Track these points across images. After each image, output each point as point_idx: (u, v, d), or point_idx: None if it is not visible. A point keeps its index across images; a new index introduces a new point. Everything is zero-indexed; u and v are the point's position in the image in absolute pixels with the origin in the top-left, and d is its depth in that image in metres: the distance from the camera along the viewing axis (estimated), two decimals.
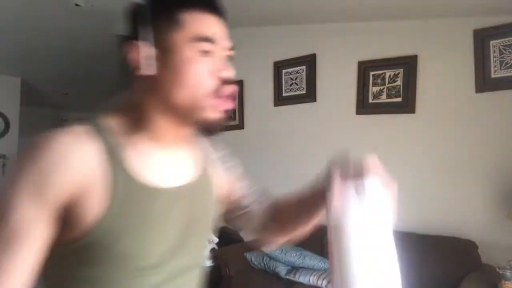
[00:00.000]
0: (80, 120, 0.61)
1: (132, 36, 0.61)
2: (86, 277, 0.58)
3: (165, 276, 0.62)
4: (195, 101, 0.60)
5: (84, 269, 0.58)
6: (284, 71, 3.65)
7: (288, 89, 3.63)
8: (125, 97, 0.66)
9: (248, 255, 3.06)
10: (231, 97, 0.62)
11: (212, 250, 3.19)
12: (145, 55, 0.59)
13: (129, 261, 0.58)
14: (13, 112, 5.77)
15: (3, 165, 5.61)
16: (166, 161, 0.65)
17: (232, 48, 0.67)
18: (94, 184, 0.55)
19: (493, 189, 2.60)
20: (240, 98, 3.92)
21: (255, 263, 2.99)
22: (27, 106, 6.36)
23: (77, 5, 3.71)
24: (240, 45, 3.36)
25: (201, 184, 0.70)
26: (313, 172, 3.23)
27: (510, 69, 2.56)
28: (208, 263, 3.08)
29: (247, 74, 3.93)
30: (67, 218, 0.55)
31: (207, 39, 0.61)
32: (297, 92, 3.56)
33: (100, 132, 0.59)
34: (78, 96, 6.87)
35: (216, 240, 3.32)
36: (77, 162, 0.55)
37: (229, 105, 0.63)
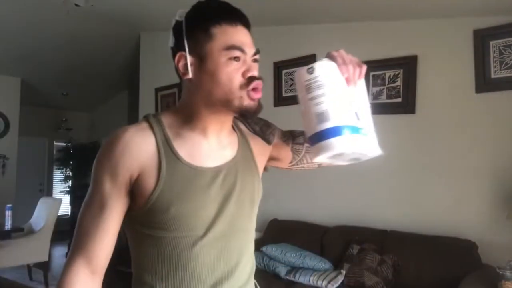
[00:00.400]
0: (144, 116, 0.82)
1: (177, 48, 0.78)
2: (151, 236, 0.77)
3: (211, 239, 0.78)
4: (229, 94, 0.76)
5: (148, 230, 0.77)
6: (284, 71, 3.65)
7: (288, 89, 3.63)
8: (181, 99, 0.84)
9: None
10: (258, 89, 0.77)
11: None
12: (184, 63, 0.77)
13: (179, 223, 0.75)
14: (13, 112, 5.76)
15: (3, 165, 5.61)
16: (208, 147, 0.82)
17: (257, 52, 0.81)
18: (150, 165, 0.75)
19: (493, 189, 2.60)
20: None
21: (255, 263, 2.99)
22: (27, 106, 6.36)
23: (77, 5, 3.71)
24: None
25: (238, 161, 0.86)
26: (313, 171, 3.24)
27: (510, 69, 2.56)
28: None
29: None
30: (133, 191, 0.76)
31: (235, 47, 0.76)
32: (297, 92, 3.56)
33: (157, 127, 0.79)
34: (78, 96, 6.88)
35: None
36: (137, 149, 0.75)
37: (257, 94, 0.77)
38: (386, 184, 3.04)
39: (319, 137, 0.70)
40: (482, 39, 2.65)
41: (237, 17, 0.78)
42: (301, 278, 2.65)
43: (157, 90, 4.69)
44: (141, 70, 4.95)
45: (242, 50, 0.76)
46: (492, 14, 2.61)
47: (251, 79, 0.76)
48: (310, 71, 0.73)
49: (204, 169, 0.79)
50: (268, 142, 0.96)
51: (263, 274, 2.90)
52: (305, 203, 3.46)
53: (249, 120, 0.95)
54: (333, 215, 3.26)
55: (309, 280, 2.60)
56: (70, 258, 0.75)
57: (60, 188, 7.28)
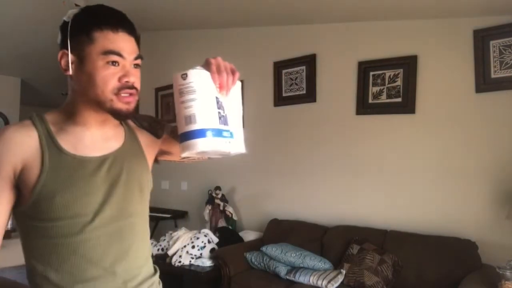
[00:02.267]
0: (29, 116, 0.86)
1: (62, 46, 0.84)
2: (40, 227, 0.80)
3: (101, 223, 0.82)
4: (101, 95, 0.81)
5: (37, 222, 0.80)
6: (284, 71, 3.65)
7: (288, 89, 3.63)
8: (66, 99, 0.90)
9: (248, 255, 3.06)
10: (131, 94, 0.84)
11: (212, 250, 3.19)
12: (66, 60, 0.83)
13: (66, 210, 0.79)
14: (13, 112, 5.76)
15: None
16: (91, 139, 0.87)
17: (138, 57, 0.86)
18: (32, 159, 0.79)
19: (493, 189, 2.60)
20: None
21: (255, 263, 3.00)
22: (27, 106, 6.36)
23: (77, 5, 3.71)
24: (240, 45, 3.42)
25: (123, 151, 0.92)
26: (313, 171, 3.27)
27: (510, 69, 2.56)
28: (208, 263, 3.08)
29: (247, 74, 3.92)
30: (18, 184, 0.80)
31: (113, 52, 0.80)
32: (297, 92, 3.56)
33: (39, 124, 0.83)
34: None
35: (216, 240, 3.32)
36: (18, 145, 0.79)
37: (128, 99, 0.84)
38: (386, 184, 3.04)
39: (186, 137, 0.78)
40: (482, 39, 2.65)
41: (119, 23, 0.82)
42: (301, 278, 2.65)
43: (157, 90, 4.69)
44: (141, 70, 4.94)
45: (120, 55, 0.81)
46: (492, 14, 2.61)
47: (126, 85, 0.82)
48: (184, 77, 0.78)
49: (88, 158, 0.84)
50: (157, 136, 1.01)
51: (263, 274, 2.90)
52: (305, 203, 3.46)
53: (136, 116, 1.01)
54: (333, 215, 3.26)
55: (309, 280, 2.60)
56: None
57: None
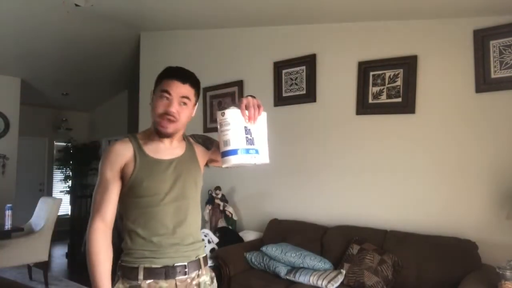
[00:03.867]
0: (126, 135, 1.33)
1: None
2: (134, 200, 1.25)
3: (169, 200, 1.27)
4: (153, 117, 1.28)
5: (132, 197, 1.25)
6: (284, 71, 3.65)
7: (288, 89, 3.63)
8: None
9: (248, 255, 3.06)
10: (168, 120, 1.25)
11: (212, 250, 3.19)
12: (151, 97, 1.31)
13: (149, 191, 1.25)
14: (13, 112, 5.76)
15: (3, 165, 5.61)
16: (164, 148, 1.32)
17: (184, 97, 1.26)
18: (130, 161, 1.26)
19: (493, 189, 2.60)
20: (240, 98, 3.92)
21: (255, 263, 3.00)
22: (27, 106, 6.36)
23: (77, 5, 3.71)
24: (240, 45, 3.41)
25: (185, 157, 1.36)
26: (313, 171, 3.26)
27: (510, 69, 2.56)
28: (208, 263, 3.08)
29: (247, 74, 3.93)
30: (122, 175, 1.26)
31: (164, 91, 1.25)
32: (297, 92, 3.56)
33: (133, 140, 1.30)
34: (78, 96, 6.88)
35: (216, 240, 3.32)
36: (122, 152, 1.26)
37: (165, 125, 1.25)
38: (386, 184, 3.04)
39: (224, 154, 1.15)
40: (482, 39, 2.65)
41: (176, 77, 1.25)
42: (301, 278, 2.65)
43: None
44: (141, 70, 4.95)
45: (168, 92, 1.24)
46: (492, 14, 2.61)
47: (165, 112, 1.24)
48: (222, 114, 1.16)
49: (162, 160, 1.30)
50: (207, 148, 1.45)
51: (263, 274, 2.90)
52: (305, 203, 3.46)
53: (194, 135, 1.48)
54: (333, 215, 3.26)
55: (309, 280, 2.60)
56: (91, 219, 1.20)
57: (60, 188, 7.28)
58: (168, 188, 1.27)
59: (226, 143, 1.14)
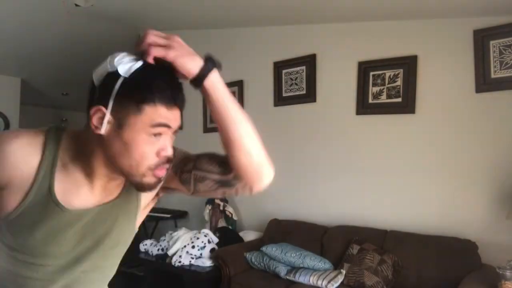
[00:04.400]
0: (48, 129, 0.77)
1: (99, 99, 0.71)
2: (10, 245, 0.76)
3: (57, 271, 0.78)
4: (136, 170, 0.72)
5: (9, 238, 0.75)
6: (284, 71, 3.65)
7: (288, 89, 3.63)
8: (85, 127, 0.76)
9: (248, 255, 3.06)
10: (165, 168, 0.76)
11: (212, 250, 3.19)
12: (100, 117, 0.70)
13: (32, 250, 0.75)
14: (13, 112, 5.76)
15: None
16: (88, 192, 0.78)
17: (180, 128, 0.77)
18: (19, 185, 0.72)
19: (493, 189, 2.60)
20: (240, 98, 3.92)
21: (255, 263, 3.00)
22: (27, 106, 6.36)
23: (77, 5, 3.71)
24: (240, 45, 3.41)
25: (113, 206, 0.82)
26: (313, 171, 3.27)
27: (510, 69, 2.56)
28: (208, 263, 3.08)
29: (247, 74, 3.93)
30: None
31: (162, 125, 0.71)
32: (297, 92, 3.56)
33: (51, 148, 0.75)
34: (78, 96, 6.87)
35: (216, 240, 3.32)
36: (13, 162, 0.71)
37: (163, 173, 0.75)
38: (386, 184, 3.03)
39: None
40: (482, 39, 2.65)
41: (175, 101, 0.73)
42: (301, 278, 2.65)
43: None
44: None
45: (168, 126, 0.73)
46: (492, 14, 2.61)
47: (163, 159, 0.73)
48: None
49: (70, 210, 0.76)
50: (176, 171, 0.90)
51: (263, 274, 2.90)
52: (305, 203, 3.46)
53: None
54: (333, 215, 3.26)
55: (309, 280, 2.60)
56: None
57: None
58: (58, 255, 0.77)
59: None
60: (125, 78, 0.69)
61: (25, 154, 0.72)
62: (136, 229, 0.91)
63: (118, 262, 0.91)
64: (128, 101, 0.69)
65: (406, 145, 2.97)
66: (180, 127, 0.78)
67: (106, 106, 0.70)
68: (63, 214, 0.75)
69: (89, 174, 0.77)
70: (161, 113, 0.70)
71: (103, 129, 0.70)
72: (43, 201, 0.73)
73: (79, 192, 0.77)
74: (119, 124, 0.70)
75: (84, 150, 0.76)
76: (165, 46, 0.72)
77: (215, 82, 0.74)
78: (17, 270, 0.77)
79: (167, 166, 0.75)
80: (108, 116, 0.69)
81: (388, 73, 3.05)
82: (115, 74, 0.70)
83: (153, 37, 0.73)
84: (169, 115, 0.72)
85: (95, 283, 0.86)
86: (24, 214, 0.72)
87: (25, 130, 0.76)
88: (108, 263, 0.87)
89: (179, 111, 0.75)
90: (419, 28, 2.95)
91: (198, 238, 3.22)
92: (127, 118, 0.69)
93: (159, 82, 0.71)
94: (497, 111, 2.63)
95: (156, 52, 0.71)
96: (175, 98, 0.73)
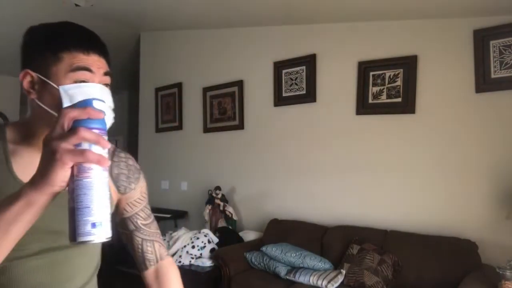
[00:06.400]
0: None
1: (24, 65, 0.75)
2: None
3: (37, 253, 0.75)
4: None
5: None
6: (284, 71, 3.65)
7: (288, 89, 3.63)
8: (24, 115, 0.79)
9: (248, 255, 3.06)
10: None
11: (212, 250, 3.19)
12: (29, 80, 0.73)
13: None
14: (13, 112, 5.76)
15: None
16: None
17: (107, 74, 0.77)
18: None
19: (493, 189, 2.60)
20: (240, 98, 3.93)
21: (255, 263, 3.00)
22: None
23: (77, 5, 3.71)
24: (240, 45, 3.42)
25: None
26: (313, 171, 3.28)
27: (510, 69, 2.56)
28: (208, 263, 3.08)
29: (247, 74, 3.93)
30: None
31: (82, 68, 0.72)
32: (297, 92, 3.56)
33: None
34: None
35: (216, 240, 3.32)
36: None
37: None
38: (386, 184, 3.04)
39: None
40: (482, 39, 2.65)
41: (90, 46, 0.74)
42: (301, 278, 2.65)
43: (157, 90, 4.69)
44: (141, 70, 4.95)
45: (89, 70, 0.72)
46: (492, 14, 2.61)
47: None
48: None
49: None
50: (119, 189, 0.92)
51: (263, 274, 2.90)
52: (305, 203, 3.46)
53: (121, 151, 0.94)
54: (333, 215, 3.26)
55: (309, 280, 2.60)
56: None
57: None
58: (37, 235, 0.73)
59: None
60: (39, 33, 0.74)
61: None
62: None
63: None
64: (45, 52, 0.72)
65: (406, 145, 2.97)
66: (109, 74, 0.78)
67: (30, 67, 0.73)
68: None
69: (38, 145, 0.74)
70: (78, 58, 0.72)
71: (35, 92, 0.73)
72: (8, 187, 0.71)
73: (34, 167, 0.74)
74: (44, 82, 0.72)
75: (27, 127, 0.78)
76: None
77: None
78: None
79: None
80: (34, 75, 0.72)
81: (388, 73, 3.05)
82: (29, 33, 0.75)
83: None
84: (88, 60, 0.73)
85: (76, 262, 0.83)
86: None
87: None
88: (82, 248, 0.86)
89: (100, 57, 0.75)
90: (419, 28, 2.95)
91: (198, 238, 3.22)
92: (49, 71, 0.72)
93: (71, 30, 0.75)
94: (497, 111, 2.63)
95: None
96: (90, 42, 0.74)
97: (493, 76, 2.62)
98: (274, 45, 3.74)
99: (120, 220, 0.97)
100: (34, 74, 0.73)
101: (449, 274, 2.42)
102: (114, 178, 0.91)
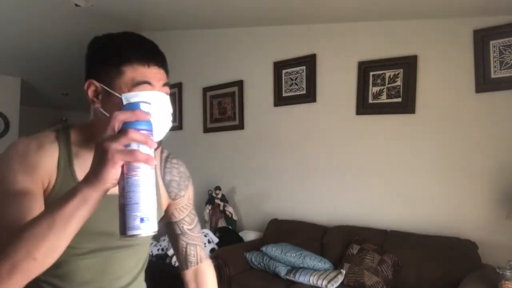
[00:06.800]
0: (54, 128, 0.84)
1: (88, 75, 0.79)
2: None
3: (95, 245, 0.81)
4: None
5: None
6: (284, 71, 3.65)
7: (288, 89, 3.63)
8: (90, 119, 0.85)
9: (248, 255, 3.06)
10: None
11: (212, 250, 3.19)
12: (94, 89, 0.78)
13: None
14: (13, 112, 5.76)
15: None
16: None
17: (165, 84, 0.80)
18: (48, 176, 0.77)
19: (493, 189, 2.60)
20: (240, 98, 3.93)
21: (255, 263, 3.00)
22: (27, 106, 6.36)
23: (77, 5, 3.71)
24: (240, 45, 3.42)
25: None
26: (313, 171, 3.27)
27: (510, 69, 2.56)
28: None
29: (247, 74, 3.93)
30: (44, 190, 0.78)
31: (142, 82, 0.75)
32: (297, 92, 3.56)
33: (63, 141, 0.81)
34: (78, 96, 6.87)
35: (216, 240, 3.32)
36: (38, 162, 0.76)
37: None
38: (386, 184, 3.03)
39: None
40: (482, 39, 2.65)
41: (150, 58, 0.77)
42: (301, 278, 2.65)
43: None
44: None
45: (149, 83, 0.76)
46: (492, 14, 2.61)
47: None
48: None
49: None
50: (171, 195, 0.97)
51: (263, 274, 2.90)
52: (305, 203, 3.46)
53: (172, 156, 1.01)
54: (333, 215, 3.26)
55: (309, 280, 2.60)
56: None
57: None
58: (93, 233, 0.81)
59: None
60: (101, 45, 0.78)
61: (43, 154, 0.78)
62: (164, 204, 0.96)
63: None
64: (109, 67, 0.75)
65: (406, 145, 2.97)
66: (167, 84, 0.80)
67: (94, 78, 0.77)
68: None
69: None
70: (139, 71, 0.75)
71: (99, 102, 0.77)
72: (67, 184, 0.76)
73: None
74: (108, 92, 0.76)
75: (95, 132, 0.80)
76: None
77: None
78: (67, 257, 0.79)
79: None
80: (98, 85, 0.76)
81: (388, 73, 3.05)
82: (93, 44, 0.80)
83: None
84: (148, 73, 0.76)
85: (127, 260, 0.89)
86: (54, 196, 0.76)
87: (33, 135, 0.83)
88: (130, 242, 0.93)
89: (160, 68, 0.78)
90: (419, 28, 2.95)
91: None
92: (112, 83, 0.75)
93: (133, 42, 0.78)
94: (497, 111, 2.63)
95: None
96: (150, 55, 0.77)
97: (493, 76, 2.62)
98: (274, 45, 3.74)
99: (167, 223, 1.02)
100: (98, 84, 0.77)
101: (449, 274, 2.42)
102: (166, 184, 0.95)
